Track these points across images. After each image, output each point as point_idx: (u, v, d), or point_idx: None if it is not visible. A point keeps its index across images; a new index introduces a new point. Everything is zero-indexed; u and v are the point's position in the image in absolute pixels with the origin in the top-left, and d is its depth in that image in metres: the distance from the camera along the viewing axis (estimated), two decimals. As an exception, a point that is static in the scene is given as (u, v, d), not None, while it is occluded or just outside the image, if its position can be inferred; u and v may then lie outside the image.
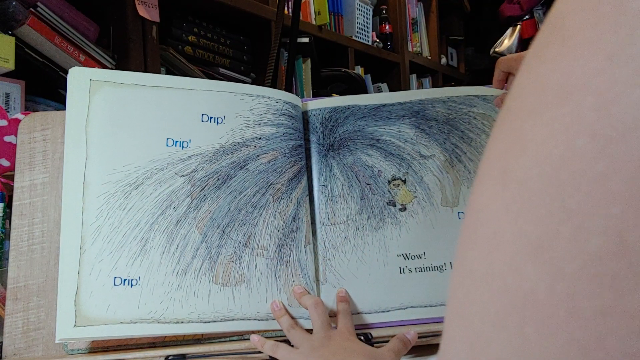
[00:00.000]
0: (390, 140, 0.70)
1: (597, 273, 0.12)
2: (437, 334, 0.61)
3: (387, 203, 0.67)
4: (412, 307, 0.63)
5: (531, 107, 0.15)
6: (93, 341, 0.58)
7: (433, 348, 0.61)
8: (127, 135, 0.61)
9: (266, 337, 0.59)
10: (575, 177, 0.13)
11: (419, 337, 0.59)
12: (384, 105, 0.72)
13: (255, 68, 1.68)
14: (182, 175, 0.62)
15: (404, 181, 0.68)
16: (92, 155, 0.60)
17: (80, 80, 0.61)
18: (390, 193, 0.67)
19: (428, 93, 0.73)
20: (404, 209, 0.67)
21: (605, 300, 0.12)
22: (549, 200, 0.13)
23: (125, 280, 0.57)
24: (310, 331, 0.59)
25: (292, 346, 0.58)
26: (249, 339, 0.59)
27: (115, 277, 0.57)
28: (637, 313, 0.12)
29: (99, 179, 0.59)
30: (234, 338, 0.61)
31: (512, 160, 0.15)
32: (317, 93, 1.83)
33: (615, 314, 0.12)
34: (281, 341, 0.58)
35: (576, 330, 0.12)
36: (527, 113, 0.15)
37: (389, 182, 0.68)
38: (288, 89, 1.32)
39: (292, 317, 0.60)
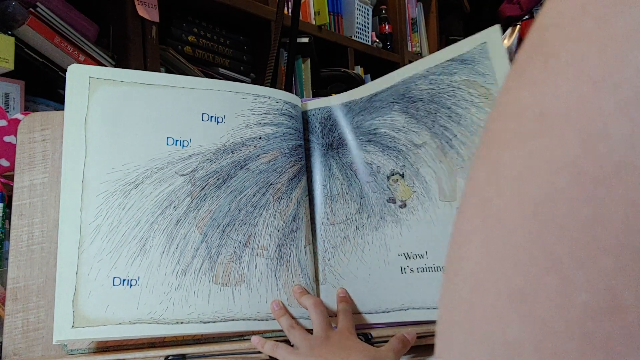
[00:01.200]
0: (385, 132, 0.68)
1: (588, 332, 0.11)
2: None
3: (387, 200, 0.66)
4: (413, 308, 0.63)
5: (509, 135, 0.13)
6: (92, 341, 0.58)
7: (432, 348, 0.61)
8: (127, 133, 0.61)
9: (266, 337, 0.59)
10: (559, 221, 0.11)
11: (418, 337, 0.59)
12: (376, 95, 0.70)
13: (255, 68, 1.68)
14: (182, 175, 0.62)
15: (402, 175, 0.67)
16: (91, 154, 0.59)
17: (79, 77, 0.61)
18: (390, 189, 0.67)
19: (407, 70, 0.69)
20: (404, 205, 0.66)
21: None
22: (532, 245, 0.12)
23: (124, 280, 0.57)
24: (310, 331, 0.59)
25: (293, 346, 0.58)
26: (249, 339, 0.59)
27: (114, 277, 0.57)
28: None
29: (98, 177, 0.59)
30: (234, 338, 0.60)
31: (491, 193, 0.13)
32: (317, 93, 1.83)
33: None
34: (282, 341, 0.58)
35: None
36: (505, 141, 0.13)
37: (388, 177, 0.67)
38: (288, 89, 1.32)
39: (292, 317, 0.60)
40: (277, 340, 0.58)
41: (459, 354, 0.14)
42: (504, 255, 0.13)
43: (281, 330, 0.60)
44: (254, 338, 0.58)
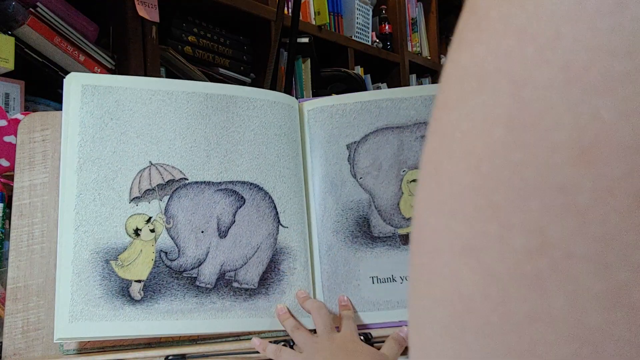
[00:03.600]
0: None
1: (524, 274, 0.12)
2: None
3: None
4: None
5: (454, 98, 0.14)
6: (88, 341, 0.58)
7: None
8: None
9: (264, 337, 0.59)
10: (497, 169, 0.12)
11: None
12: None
13: (255, 68, 1.68)
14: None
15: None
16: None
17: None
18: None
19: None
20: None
21: (533, 304, 0.11)
22: (476, 197, 0.13)
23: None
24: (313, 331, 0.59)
25: (293, 346, 0.58)
26: (247, 339, 0.59)
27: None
28: (563, 316, 0.11)
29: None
30: (230, 338, 0.60)
31: (442, 156, 0.14)
32: (317, 93, 1.83)
33: (543, 317, 0.11)
34: (281, 341, 0.58)
35: (509, 337, 0.12)
36: (450, 104, 0.14)
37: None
38: (288, 89, 1.32)
39: (297, 320, 0.60)
40: (276, 341, 0.58)
41: (426, 318, 0.14)
42: (454, 212, 0.13)
43: (283, 330, 0.60)
44: (254, 340, 0.58)
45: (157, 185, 0.61)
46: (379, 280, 0.64)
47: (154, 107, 0.63)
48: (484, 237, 0.12)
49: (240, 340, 0.60)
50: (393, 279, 0.64)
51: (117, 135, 0.62)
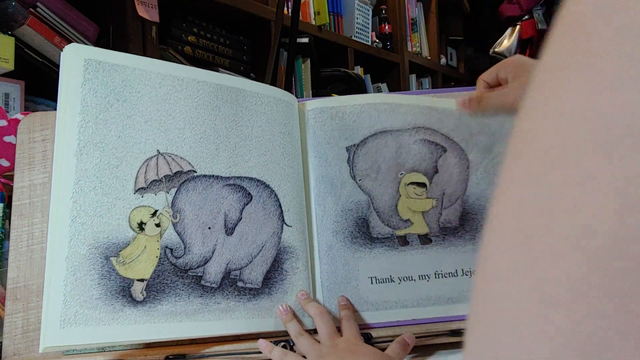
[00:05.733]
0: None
1: None
2: (437, 334, 0.61)
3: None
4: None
5: (558, 158, 0.11)
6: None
7: (432, 348, 0.61)
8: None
9: (265, 337, 0.59)
10: (628, 266, 0.10)
11: (417, 338, 0.59)
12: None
13: (255, 68, 1.68)
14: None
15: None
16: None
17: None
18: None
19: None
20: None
21: None
22: (589, 297, 0.10)
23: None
24: (311, 331, 0.59)
25: (293, 347, 0.58)
26: (247, 339, 0.59)
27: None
28: None
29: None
30: (230, 338, 0.60)
31: (538, 224, 0.11)
32: (317, 93, 1.83)
33: None
34: (283, 341, 0.58)
35: None
36: (552, 164, 0.11)
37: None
38: (287, 89, 1.32)
39: (300, 322, 0.60)
40: (277, 342, 0.58)
41: None
42: (556, 303, 0.11)
43: (284, 331, 0.60)
44: (261, 342, 0.58)
45: (164, 177, 0.58)
46: (377, 280, 0.64)
47: (163, 92, 0.59)
48: (595, 343, 0.10)
49: (241, 340, 0.60)
50: (391, 280, 0.64)
51: (123, 118, 0.57)
